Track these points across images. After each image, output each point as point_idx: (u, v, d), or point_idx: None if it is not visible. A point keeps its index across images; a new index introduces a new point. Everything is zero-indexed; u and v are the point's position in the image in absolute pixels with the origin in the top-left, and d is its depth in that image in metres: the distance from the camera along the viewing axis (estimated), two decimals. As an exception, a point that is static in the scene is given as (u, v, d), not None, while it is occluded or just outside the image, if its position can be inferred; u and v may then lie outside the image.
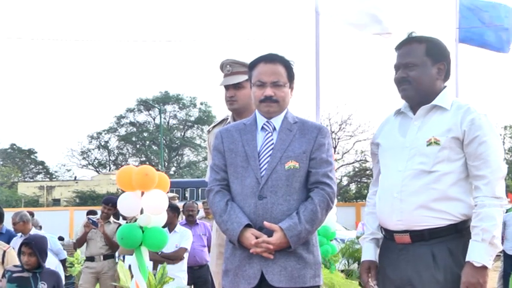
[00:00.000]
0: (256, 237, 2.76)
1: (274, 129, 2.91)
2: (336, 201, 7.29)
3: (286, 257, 2.78)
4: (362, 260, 2.96)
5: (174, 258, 6.59)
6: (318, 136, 2.88)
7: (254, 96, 2.94)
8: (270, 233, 2.76)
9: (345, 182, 33.94)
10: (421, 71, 2.75)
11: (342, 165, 32.94)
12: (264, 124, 2.93)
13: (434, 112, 2.74)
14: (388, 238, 2.81)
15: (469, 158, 2.64)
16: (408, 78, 2.76)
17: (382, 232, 2.87)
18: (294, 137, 2.88)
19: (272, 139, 2.90)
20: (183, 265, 6.71)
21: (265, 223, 2.76)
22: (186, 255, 6.77)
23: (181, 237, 6.77)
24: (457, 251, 2.60)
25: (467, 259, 2.55)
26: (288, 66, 2.93)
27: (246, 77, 3.61)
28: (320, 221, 2.84)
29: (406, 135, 2.77)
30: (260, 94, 2.89)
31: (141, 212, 3.53)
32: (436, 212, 2.63)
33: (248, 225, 2.78)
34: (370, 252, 2.91)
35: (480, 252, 2.53)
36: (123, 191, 3.63)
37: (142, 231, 3.50)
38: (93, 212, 10.61)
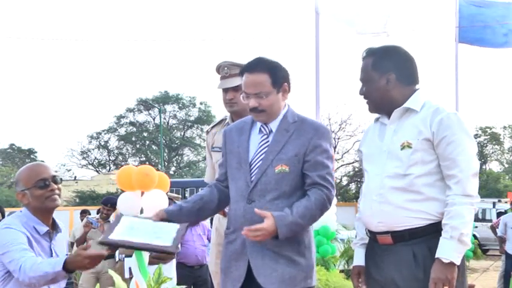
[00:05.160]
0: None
1: (271, 131, 2.90)
2: (335, 201, 7.26)
3: (275, 260, 2.78)
4: (353, 265, 2.99)
5: (166, 257, 6.59)
6: (313, 137, 2.84)
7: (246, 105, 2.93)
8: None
9: (344, 182, 33.95)
10: (369, 86, 2.82)
11: (342, 165, 32.96)
12: (261, 126, 2.92)
13: (408, 115, 2.77)
14: (372, 240, 2.84)
15: (439, 158, 2.68)
16: (364, 93, 2.85)
17: (367, 234, 2.89)
18: (290, 138, 2.86)
19: (268, 141, 2.89)
20: (172, 264, 6.75)
21: (256, 210, 2.73)
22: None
23: None
24: (436, 250, 2.63)
25: (436, 255, 2.59)
26: (272, 71, 2.86)
27: (244, 78, 3.61)
28: (313, 218, 2.81)
29: (384, 139, 2.81)
30: (249, 105, 2.88)
31: (141, 212, 3.52)
32: (414, 212, 2.67)
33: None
34: (360, 258, 2.93)
35: (449, 249, 2.58)
36: (123, 191, 3.62)
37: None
38: (85, 212, 10.59)
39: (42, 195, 2.90)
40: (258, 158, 2.86)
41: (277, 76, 2.86)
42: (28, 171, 2.96)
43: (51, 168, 2.99)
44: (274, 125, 2.90)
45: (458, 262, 2.59)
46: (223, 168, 3.02)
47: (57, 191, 2.95)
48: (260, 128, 2.92)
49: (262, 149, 2.87)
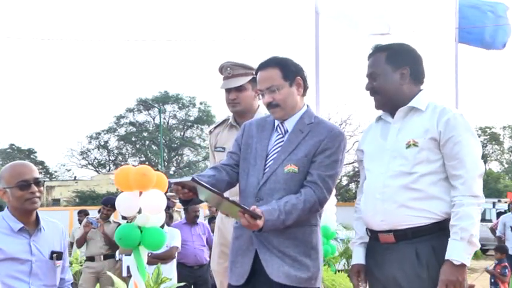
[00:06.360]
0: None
1: (286, 131, 2.91)
2: (335, 201, 7.25)
3: (282, 259, 2.79)
4: (352, 263, 2.99)
5: (166, 257, 6.63)
6: (325, 139, 2.84)
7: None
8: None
9: (344, 181, 33.94)
10: (382, 80, 2.81)
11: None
12: (277, 126, 2.94)
13: (412, 114, 2.78)
14: (373, 238, 2.85)
15: (445, 158, 2.68)
16: (374, 88, 2.84)
17: (368, 233, 2.89)
18: (304, 139, 2.86)
19: (282, 141, 2.90)
20: (173, 265, 6.78)
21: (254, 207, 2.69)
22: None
23: (171, 237, 6.82)
24: (440, 249, 2.64)
25: (446, 257, 2.59)
26: (283, 65, 2.90)
27: (247, 79, 3.63)
28: (297, 218, 2.75)
29: (387, 138, 2.81)
30: (264, 101, 2.93)
31: (139, 212, 3.52)
32: (417, 211, 2.67)
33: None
34: (359, 256, 2.94)
35: (459, 250, 2.58)
36: (123, 191, 3.62)
37: (141, 231, 3.49)
38: (83, 212, 10.58)
39: (22, 196, 2.95)
40: (271, 157, 2.88)
41: (288, 69, 2.89)
42: (11, 170, 3.00)
43: (35, 170, 3.03)
44: (290, 125, 2.92)
45: (468, 263, 2.59)
46: (232, 154, 3.01)
47: (37, 194, 2.98)
48: (276, 128, 2.94)
49: (276, 149, 2.89)
